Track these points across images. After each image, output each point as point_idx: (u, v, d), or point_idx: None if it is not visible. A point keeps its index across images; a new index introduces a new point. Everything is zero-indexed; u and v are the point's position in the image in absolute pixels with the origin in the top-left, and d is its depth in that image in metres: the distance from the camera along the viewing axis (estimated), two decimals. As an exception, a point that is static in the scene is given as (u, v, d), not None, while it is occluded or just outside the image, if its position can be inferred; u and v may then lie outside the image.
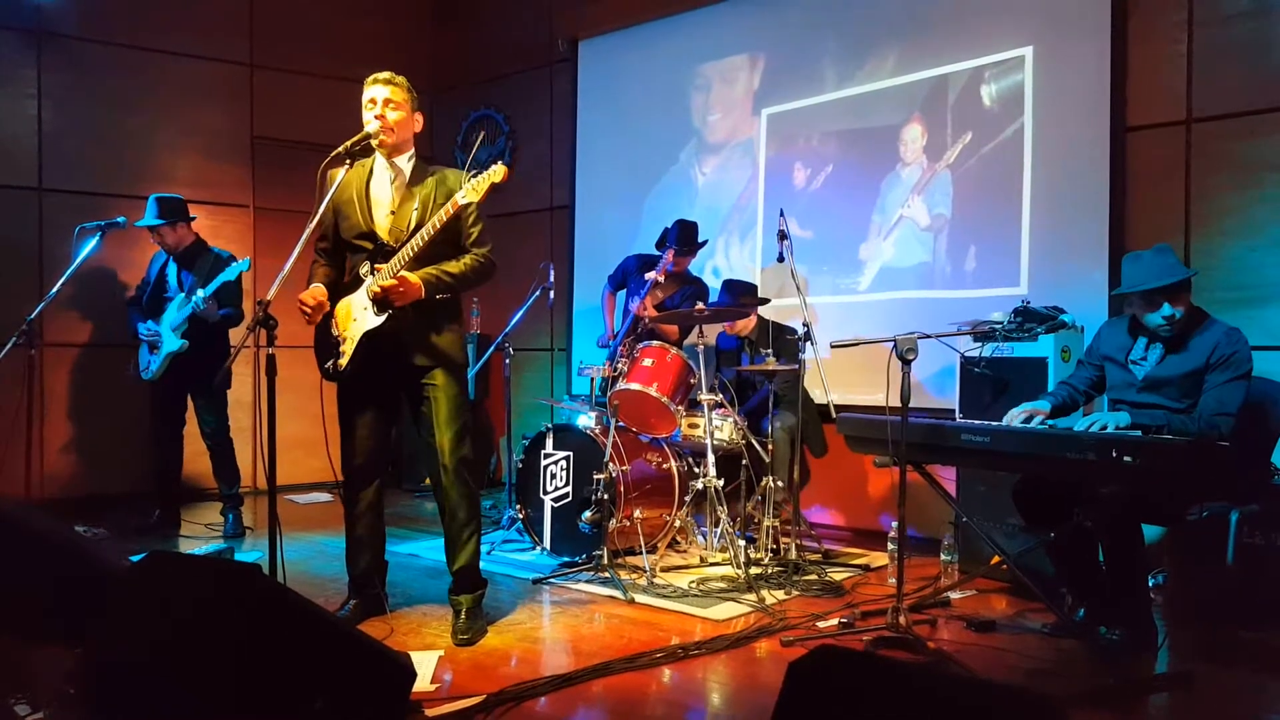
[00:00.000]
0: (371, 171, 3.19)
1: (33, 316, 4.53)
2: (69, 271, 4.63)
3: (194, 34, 6.19)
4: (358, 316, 3.13)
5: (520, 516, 4.44)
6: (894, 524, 3.54)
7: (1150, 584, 3.32)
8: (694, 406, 4.27)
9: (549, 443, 4.34)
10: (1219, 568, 3.36)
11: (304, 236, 2.88)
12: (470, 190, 2.95)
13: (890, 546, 4.19)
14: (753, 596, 3.62)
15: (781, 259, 4.29)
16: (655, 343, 4.35)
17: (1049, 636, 3.23)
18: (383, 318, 3.07)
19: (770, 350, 4.29)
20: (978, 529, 3.60)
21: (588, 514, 3.96)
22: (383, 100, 3.10)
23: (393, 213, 3.13)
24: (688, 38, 5.87)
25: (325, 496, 6.10)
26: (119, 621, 2.26)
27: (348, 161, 3.02)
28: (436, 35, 7.30)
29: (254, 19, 6.44)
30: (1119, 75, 4.32)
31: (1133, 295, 3.09)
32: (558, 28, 6.51)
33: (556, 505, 4.27)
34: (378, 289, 3.02)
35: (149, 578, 2.29)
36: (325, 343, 3.23)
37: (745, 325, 4.71)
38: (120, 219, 4.86)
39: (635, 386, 4.16)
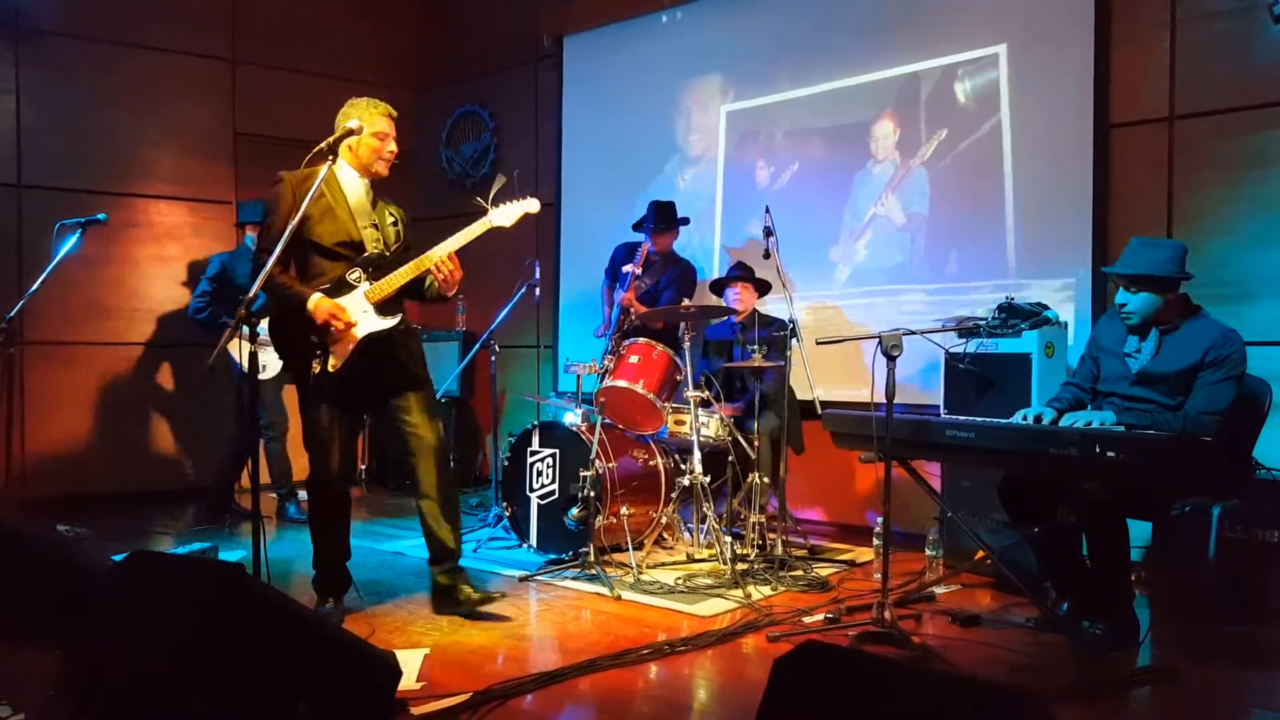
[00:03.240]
0: (341, 184, 3.26)
1: (12, 314, 4.48)
2: (49, 268, 4.58)
3: (175, 29, 6.13)
4: (356, 319, 3.18)
5: (506, 514, 4.43)
6: (879, 519, 3.55)
7: (1133, 578, 3.34)
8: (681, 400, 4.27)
9: (535, 440, 4.33)
10: (1201, 562, 3.39)
11: (286, 234, 2.85)
12: (503, 216, 3.23)
13: (875, 542, 4.20)
14: (739, 592, 3.63)
15: (767, 255, 4.29)
16: (641, 339, 4.34)
17: (1033, 631, 3.24)
18: (390, 321, 3.20)
19: (755, 347, 4.29)
20: (963, 524, 3.61)
21: (574, 511, 3.95)
22: (394, 141, 3.32)
23: (374, 225, 3.29)
24: (672, 34, 5.86)
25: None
26: (100, 622, 2.24)
27: (330, 158, 3.00)
28: (421, 31, 7.26)
29: (236, 14, 6.39)
30: (1102, 72, 4.34)
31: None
32: (543, 24, 6.49)
33: (543, 503, 4.26)
34: (444, 276, 3.18)
35: (131, 578, 2.28)
36: (300, 345, 3.21)
37: (747, 307, 4.71)
38: (101, 215, 4.81)
39: (621, 384, 4.16)
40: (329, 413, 3.26)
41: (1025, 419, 3.15)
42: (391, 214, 3.36)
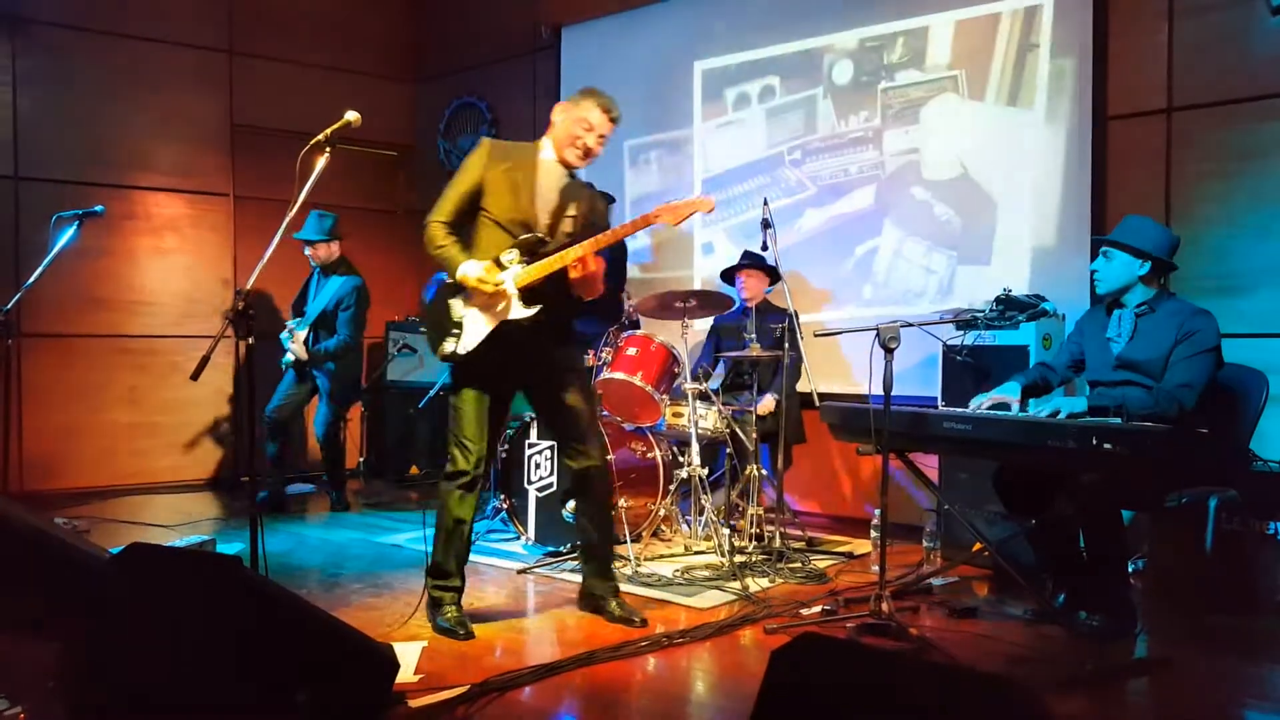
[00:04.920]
0: (538, 163, 3.11)
1: (9, 307, 4.47)
2: (46, 261, 4.56)
3: (172, 19, 6.11)
4: (500, 302, 3.00)
5: (504, 506, 4.43)
6: (877, 511, 3.56)
7: (1130, 570, 3.35)
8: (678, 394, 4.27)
9: (533, 432, 4.33)
10: (1198, 554, 3.40)
11: (284, 224, 2.84)
12: (669, 214, 2.94)
13: (873, 534, 4.22)
14: (737, 584, 3.63)
15: (765, 247, 4.28)
16: (640, 332, 4.34)
17: (1030, 622, 3.25)
18: (531, 310, 2.97)
19: (752, 335, 4.27)
20: (960, 516, 3.62)
21: (572, 504, 3.96)
22: (599, 138, 3.12)
23: (553, 211, 3.08)
24: (671, 25, 5.84)
25: (308, 487, 6.07)
26: (98, 614, 2.24)
27: (327, 149, 2.96)
28: (419, 21, 7.23)
29: (233, 4, 6.36)
30: (1100, 63, 4.33)
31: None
32: (541, 14, 6.47)
33: (541, 495, 4.27)
34: (580, 274, 2.94)
35: (129, 570, 2.28)
36: (441, 323, 3.08)
37: (755, 294, 4.69)
38: (98, 208, 4.78)
39: (620, 375, 4.16)
40: (475, 394, 3.08)
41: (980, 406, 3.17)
42: (577, 207, 3.10)
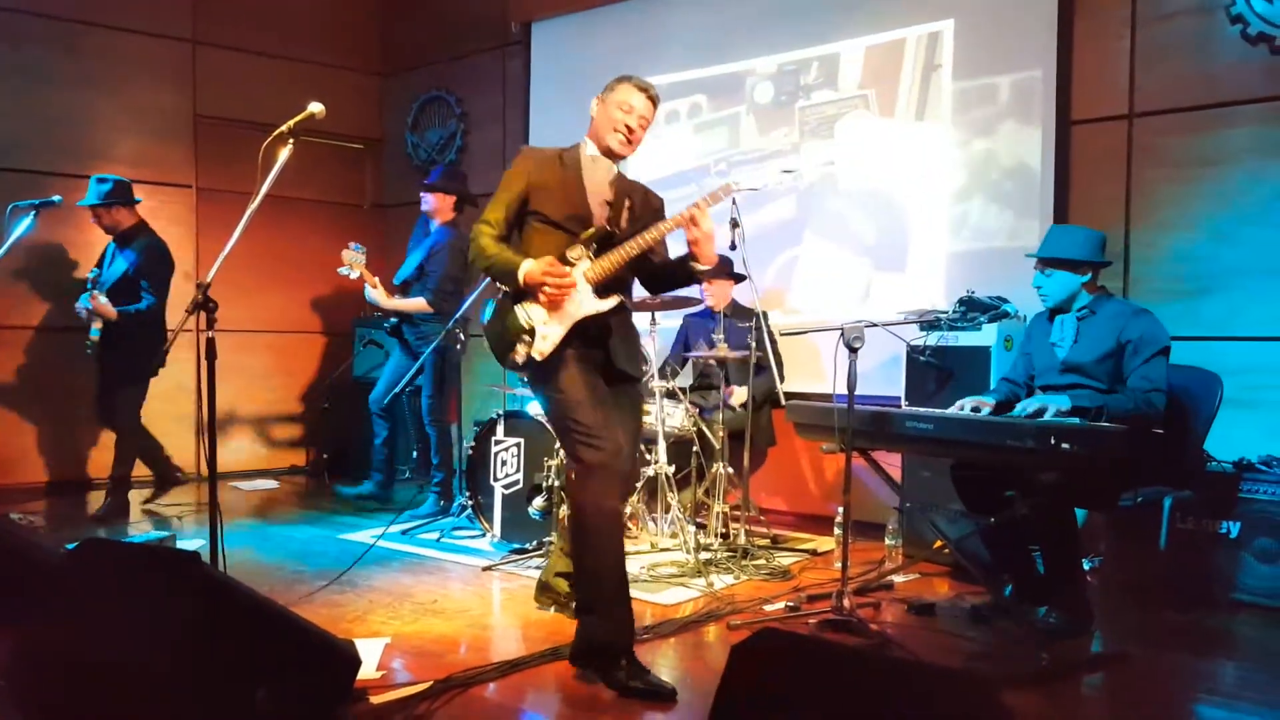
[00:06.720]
0: (582, 160, 2.91)
1: (-38, 297, 4.37)
2: (1, 252, 4.47)
3: (135, 8, 6.00)
4: (572, 298, 2.77)
5: (470, 503, 4.41)
6: (841, 509, 3.59)
7: (1086, 568, 3.41)
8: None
9: (500, 429, 4.32)
10: (1152, 552, 3.47)
11: (246, 217, 2.81)
12: (749, 179, 2.89)
13: (836, 531, 4.25)
14: (702, 581, 3.65)
15: (734, 247, 4.29)
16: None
17: (988, 619, 3.29)
18: (609, 302, 2.77)
19: (721, 336, 4.29)
20: (921, 514, 3.66)
21: (538, 501, 3.95)
22: (640, 118, 2.86)
23: (609, 203, 2.88)
24: (641, 22, 5.84)
25: (271, 483, 6.00)
26: (52, 611, 2.20)
27: (291, 141, 2.91)
28: (387, 14, 7.16)
29: (198, -7, 6.27)
30: (1064, 69, 4.40)
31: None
32: (511, 9, 6.44)
33: (507, 492, 4.25)
34: (697, 233, 2.75)
35: (84, 566, 2.24)
36: (505, 335, 2.81)
37: (721, 301, 4.70)
38: (56, 198, 4.70)
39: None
40: (586, 388, 2.75)
41: (961, 408, 3.22)
42: (631, 200, 2.92)
